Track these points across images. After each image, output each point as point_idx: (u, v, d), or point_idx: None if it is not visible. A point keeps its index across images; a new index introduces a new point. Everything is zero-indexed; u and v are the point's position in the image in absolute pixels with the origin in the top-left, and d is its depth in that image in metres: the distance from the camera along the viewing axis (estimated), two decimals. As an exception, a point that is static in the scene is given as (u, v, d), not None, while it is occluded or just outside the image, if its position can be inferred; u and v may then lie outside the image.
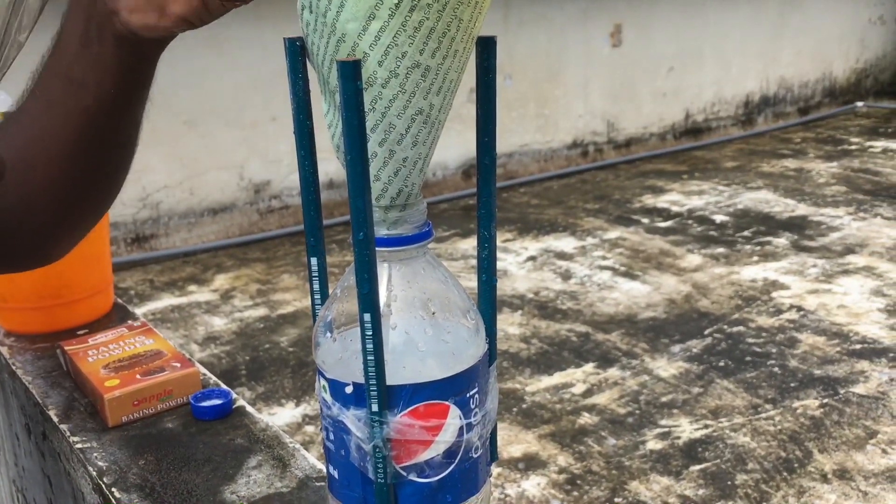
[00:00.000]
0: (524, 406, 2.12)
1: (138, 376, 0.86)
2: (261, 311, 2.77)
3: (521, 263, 3.11)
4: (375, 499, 0.45)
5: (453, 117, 0.52)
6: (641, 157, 4.66)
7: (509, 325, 2.58)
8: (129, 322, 1.02)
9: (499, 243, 3.19)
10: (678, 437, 1.95)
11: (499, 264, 2.77)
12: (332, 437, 0.46)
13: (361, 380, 0.43)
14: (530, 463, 1.88)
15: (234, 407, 0.87)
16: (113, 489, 0.73)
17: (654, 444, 1.93)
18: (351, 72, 0.37)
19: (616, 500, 1.74)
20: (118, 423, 0.83)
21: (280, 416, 2.13)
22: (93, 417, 0.85)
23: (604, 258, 3.14)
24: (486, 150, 0.46)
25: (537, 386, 2.22)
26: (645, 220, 3.57)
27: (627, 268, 3.03)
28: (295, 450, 0.80)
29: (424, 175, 0.45)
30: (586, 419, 2.05)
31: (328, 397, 0.45)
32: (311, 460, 0.78)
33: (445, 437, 0.44)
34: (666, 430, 1.99)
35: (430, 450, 0.44)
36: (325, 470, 0.76)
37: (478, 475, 0.48)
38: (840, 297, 2.70)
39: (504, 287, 2.86)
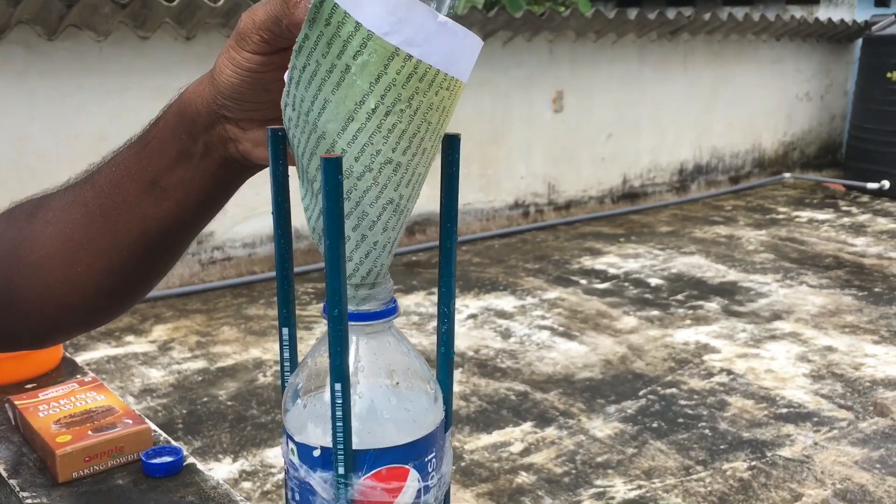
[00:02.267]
0: (463, 464, 2.15)
1: (90, 432, 0.87)
2: (200, 364, 2.75)
3: (462, 321, 3.16)
4: (336, 557, 0.48)
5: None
6: (580, 220, 4.79)
7: (449, 382, 2.61)
8: (80, 377, 1.03)
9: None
10: (612, 498, 2.00)
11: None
12: (297, 497, 0.49)
13: (329, 444, 0.46)
14: (468, 522, 1.90)
15: (184, 464, 0.88)
16: (64, 546, 0.74)
17: (589, 504, 1.97)
18: (333, 167, 0.41)
19: (552, 559, 1.77)
20: (68, 479, 0.84)
21: (217, 472, 2.11)
22: (42, 473, 0.86)
23: (543, 318, 3.21)
24: (448, 235, 0.51)
25: (476, 444, 2.25)
26: (583, 282, 3.67)
27: (566, 328, 3.10)
28: (245, 508, 0.82)
29: (392, 256, 0.49)
30: (524, 478, 2.08)
31: (296, 460, 0.48)
32: (262, 518, 0.80)
33: (405, 499, 0.48)
34: (601, 489, 2.03)
35: (390, 511, 0.48)
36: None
37: (432, 535, 0.51)
38: (767, 362, 2.80)
39: (445, 345, 2.89)
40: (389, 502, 0.47)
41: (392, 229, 0.48)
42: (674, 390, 2.58)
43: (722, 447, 2.23)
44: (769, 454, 2.20)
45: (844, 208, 5.20)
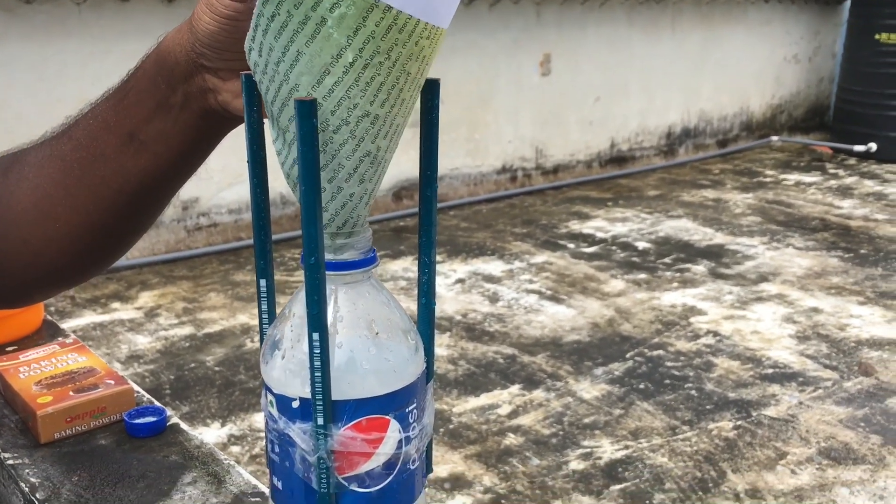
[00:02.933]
0: (451, 427, 2.15)
1: (71, 393, 0.87)
2: (187, 330, 2.74)
3: (449, 286, 3.15)
4: (317, 509, 0.48)
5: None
6: (568, 184, 4.78)
7: (437, 346, 2.61)
8: (61, 339, 1.02)
9: (428, 265, 3.23)
10: (599, 458, 2.01)
11: (428, 286, 2.81)
12: (277, 449, 0.48)
13: (308, 395, 0.45)
14: (456, 483, 1.91)
15: (168, 424, 0.88)
16: (47, 505, 0.74)
17: (576, 465, 1.98)
18: (308, 110, 0.40)
19: (539, 518, 1.78)
20: (50, 440, 0.83)
21: (205, 437, 2.11)
22: (24, 434, 0.85)
23: (531, 282, 3.21)
24: (429, 183, 0.50)
25: (464, 407, 2.26)
26: (571, 246, 3.66)
27: (553, 292, 3.10)
28: (230, 466, 0.82)
29: (370, 206, 0.48)
30: (511, 440, 2.09)
31: (275, 412, 0.48)
32: (246, 476, 0.80)
33: (385, 450, 0.47)
34: (588, 450, 2.05)
35: (370, 461, 0.47)
36: (258, 486, 0.78)
37: (414, 486, 0.51)
38: (754, 324, 2.82)
39: (433, 309, 2.89)
40: (370, 453, 0.47)
41: (369, 181, 0.47)
42: (660, 352, 2.59)
43: (708, 407, 2.25)
44: (754, 414, 2.22)
45: (831, 171, 5.20)
